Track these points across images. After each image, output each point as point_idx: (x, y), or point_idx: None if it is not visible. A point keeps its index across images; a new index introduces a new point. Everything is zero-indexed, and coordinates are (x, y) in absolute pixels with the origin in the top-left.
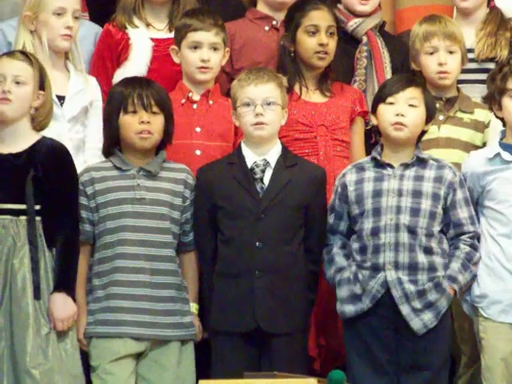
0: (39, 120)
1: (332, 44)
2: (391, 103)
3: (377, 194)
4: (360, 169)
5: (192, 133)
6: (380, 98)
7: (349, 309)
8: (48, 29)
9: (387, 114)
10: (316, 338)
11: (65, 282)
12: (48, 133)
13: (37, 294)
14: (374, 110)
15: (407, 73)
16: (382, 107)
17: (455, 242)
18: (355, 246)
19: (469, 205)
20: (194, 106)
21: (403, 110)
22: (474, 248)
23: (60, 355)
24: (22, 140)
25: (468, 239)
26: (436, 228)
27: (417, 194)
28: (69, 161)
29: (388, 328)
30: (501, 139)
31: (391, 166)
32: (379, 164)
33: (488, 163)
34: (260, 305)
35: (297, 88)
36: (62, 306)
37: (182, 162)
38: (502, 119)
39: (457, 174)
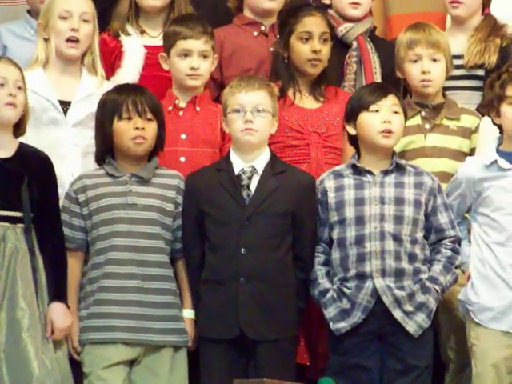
0: (22, 127)
1: (325, 50)
2: (376, 111)
3: (359, 202)
4: (338, 175)
5: (177, 140)
6: (361, 107)
7: (342, 325)
8: (55, 33)
9: (373, 121)
10: (308, 346)
11: (62, 292)
12: (50, 138)
13: (38, 303)
14: (353, 120)
15: (397, 78)
16: (365, 116)
17: (436, 247)
18: (336, 255)
19: (448, 210)
20: (180, 113)
21: (389, 117)
22: (456, 252)
23: (56, 363)
24: (7, 144)
25: (449, 243)
26: (419, 234)
27: (399, 201)
28: (53, 168)
29: (374, 337)
30: (498, 146)
31: (370, 173)
32: (358, 171)
33: (485, 170)
34: (244, 311)
35: (290, 93)
36: (62, 315)
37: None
38: (499, 126)
39: (435, 180)
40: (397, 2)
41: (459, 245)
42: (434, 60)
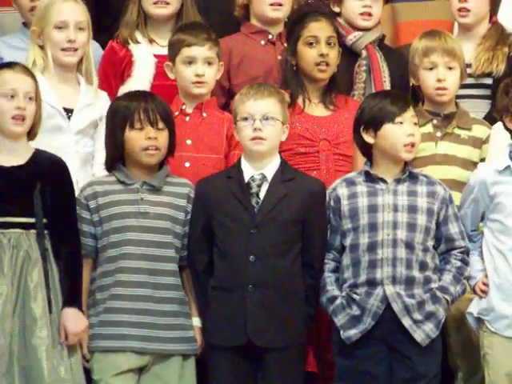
0: (35, 131)
1: (333, 54)
2: (401, 123)
3: (372, 209)
4: (350, 183)
5: (183, 145)
6: (385, 118)
7: (353, 333)
8: (51, 43)
9: (399, 134)
10: (319, 354)
11: (75, 297)
12: (52, 145)
13: (50, 309)
14: (373, 129)
15: (406, 87)
16: (390, 128)
17: (446, 257)
18: (346, 261)
19: (458, 220)
20: (187, 119)
21: (413, 130)
22: (465, 263)
23: (70, 369)
24: (21, 152)
25: (459, 254)
26: (430, 243)
27: (412, 209)
28: (69, 174)
29: (382, 344)
30: (510, 152)
31: (384, 181)
32: (370, 178)
33: (497, 174)
34: (252, 319)
35: (300, 101)
36: (76, 320)
37: (172, 174)
38: (511, 131)
39: (447, 190)
40: (405, 10)
41: (468, 255)
42: (450, 68)
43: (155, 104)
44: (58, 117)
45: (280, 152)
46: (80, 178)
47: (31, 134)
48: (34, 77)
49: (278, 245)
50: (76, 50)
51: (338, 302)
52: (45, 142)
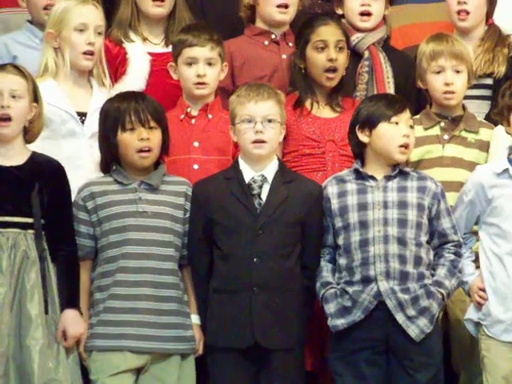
0: (33, 132)
1: (341, 59)
2: (396, 123)
3: (362, 207)
4: (340, 181)
5: (190, 147)
6: (381, 117)
7: (340, 322)
8: (70, 46)
9: (394, 134)
10: (319, 353)
11: (74, 299)
12: (67, 149)
13: (47, 309)
14: (368, 128)
15: (412, 89)
16: (385, 127)
17: (439, 251)
18: (342, 261)
19: (450, 215)
20: (193, 121)
21: (408, 131)
22: (458, 255)
23: (67, 370)
24: (18, 153)
25: (452, 247)
26: (423, 238)
27: (402, 205)
28: (66, 177)
29: (379, 342)
30: (509, 155)
31: (373, 179)
32: (361, 176)
33: (495, 177)
34: (258, 321)
35: (307, 103)
36: (76, 322)
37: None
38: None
39: (438, 185)
40: (408, 12)
41: (461, 249)
42: (457, 71)
43: (145, 104)
44: (71, 121)
45: (286, 153)
46: None
47: (30, 135)
48: (25, 76)
49: (281, 246)
50: (93, 53)
51: (332, 290)
52: (60, 148)
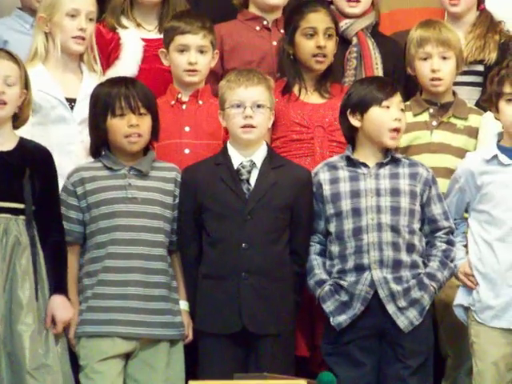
0: (22, 118)
1: (330, 46)
2: (387, 107)
3: (355, 194)
4: (332, 167)
5: (181, 132)
6: (373, 101)
7: (343, 319)
8: (61, 31)
9: (385, 118)
10: (308, 338)
11: (62, 285)
12: (56, 136)
13: (37, 295)
14: (359, 112)
15: (400, 75)
16: (377, 111)
17: (431, 240)
18: (334, 248)
19: (442, 201)
20: (183, 107)
21: (400, 115)
22: (451, 244)
23: (56, 357)
24: (7, 139)
25: (443, 235)
26: (416, 225)
27: (395, 192)
28: (53, 163)
29: (372, 330)
30: (498, 141)
31: (365, 165)
32: (352, 163)
33: (485, 164)
34: (246, 306)
35: (295, 89)
36: (64, 308)
37: (172, 162)
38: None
39: (429, 171)
40: None
41: (453, 235)
42: (444, 58)
43: (136, 90)
44: (60, 107)
45: (274, 139)
46: None
47: (19, 121)
48: (17, 62)
49: (269, 232)
50: (84, 39)
51: (327, 288)
52: (50, 133)
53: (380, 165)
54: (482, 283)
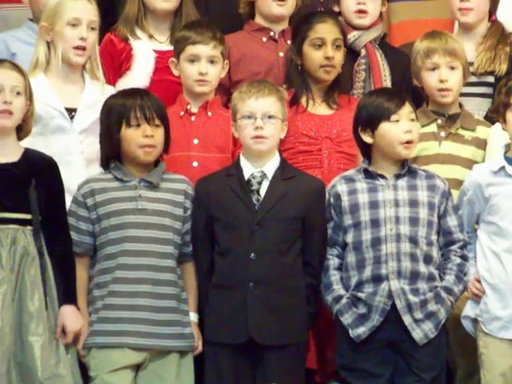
0: (26, 130)
1: (338, 57)
2: (397, 121)
3: (373, 204)
4: (349, 180)
5: (190, 145)
6: (381, 117)
7: (361, 331)
8: (62, 40)
9: (395, 132)
10: (317, 350)
11: (72, 295)
12: (56, 146)
13: (46, 305)
14: (370, 129)
15: (408, 86)
16: (387, 126)
17: (446, 253)
18: (351, 259)
19: (457, 213)
20: (192, 118)
21: (410, 127)
22: (465, 259)
23: (68, 367)
24: (12, 150)
25: (458, 250)
26: (434, 237)
27: (414, 203)
28: (59, 173)
29: (387, 342)
30: (505, 153)
31: (383, 177)
32: (370, 175)
33: (492, 176)
34: (253, 316)
35: (303, 100)
36: (74, 318)
37: (180, 174)
38: None
39: (445, 183)
40: (404, 9)
41: (467, 250)
42: (452, 68)
43: (151, 101)
44: (60, 117)
45: (282, 150)
46: (84, 178)
47: (23, 133)
48: (23, 73)
49: (278, 242)
50: (85, 49)
51: (344, 301)
52: (50, 144)
53: (397, 176)
54: (489, 294)
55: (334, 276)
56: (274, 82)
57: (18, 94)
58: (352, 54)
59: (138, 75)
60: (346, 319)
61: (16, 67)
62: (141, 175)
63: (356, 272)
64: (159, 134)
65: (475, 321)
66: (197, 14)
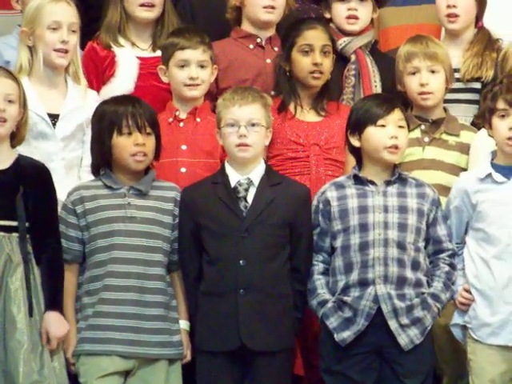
0: (19, 137)
1: (327, 63)
2: (382, 126)
3: (362, 209)
4: (339, 186)
5: (178, 150)
6: (368, 121)
7: (347, 334)
8: (43, 44)
9: (380, 137)
10: (304, 357)
11: (56, 301)
12: (38, 152)
13: (30, 312)
14: (358, 132)
15: (399, 92)
16: (372, 130)
17: (434, 261)
18: (338, 263)
19: (446, 222)
20: (181, 124)
21: (396, 133)
22: (453, 267)
23: (53, 373)
24: (5, 157)
25: (447, 258)
26: (421, 243)
27: (403, 209)
28: (51, 180)
29: (372, 347)
30: (492, 159)
31: (373, 183)
32: (360, 181)
33: (479, 182)
34: (244, 323)
35: (291, 107)
36: (58, 324)
37: (168, 180)
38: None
39: (435, 192)
40: (391, 15)
41: (455, 259)
42: (433, 72)
43: (142, 109)
44: (42, 124)
45: (271, 158)
46: (64, 185)
47: (16, 140)
48: (17, 81)
49: (267, 248)
50: (67, 51)
51: (330, 305)
52: (32, 150)
53: (388, 183)
54: (478, 300)
55: (319, 280)
56: (258, 89)
57: (12, 101)
58: (342, 60)
59: (123, 81)
60: (332, 323)
61: (10, 74)
62: (131, 183)
63: (343, 276)
64: (150, 142)
65: (464, 327)
66: (178, 22)
